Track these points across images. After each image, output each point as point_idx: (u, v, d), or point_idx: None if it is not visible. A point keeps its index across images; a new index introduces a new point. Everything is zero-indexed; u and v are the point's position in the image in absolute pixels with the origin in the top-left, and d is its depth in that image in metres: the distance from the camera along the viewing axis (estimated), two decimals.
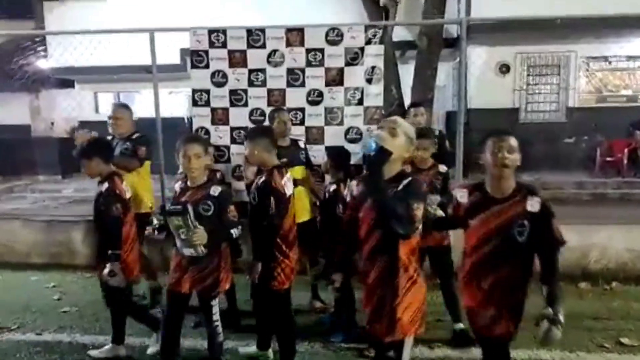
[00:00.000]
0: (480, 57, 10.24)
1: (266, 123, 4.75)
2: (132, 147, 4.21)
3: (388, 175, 2.21)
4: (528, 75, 10.69)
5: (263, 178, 3.13)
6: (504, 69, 10.59)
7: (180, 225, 2.76)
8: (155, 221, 3.12)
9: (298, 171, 4.02)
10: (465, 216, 2.34)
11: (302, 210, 4.00)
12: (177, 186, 3.09)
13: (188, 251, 2.87)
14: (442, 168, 3.83)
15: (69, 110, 13.82)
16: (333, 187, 3.80)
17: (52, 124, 14.57)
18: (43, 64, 12.70)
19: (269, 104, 4.72)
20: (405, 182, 2.22)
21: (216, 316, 3.07)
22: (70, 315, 4.35)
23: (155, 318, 3.58)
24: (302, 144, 4.29)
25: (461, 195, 2.36)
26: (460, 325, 3.64)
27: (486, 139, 2.27)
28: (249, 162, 3.58)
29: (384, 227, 2.19)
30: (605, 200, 7.58)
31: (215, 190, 2.92)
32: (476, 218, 2.29)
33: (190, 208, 2.74)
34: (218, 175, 4.14)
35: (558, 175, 9.24)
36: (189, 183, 3.00)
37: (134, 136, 4.31)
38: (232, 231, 2.91)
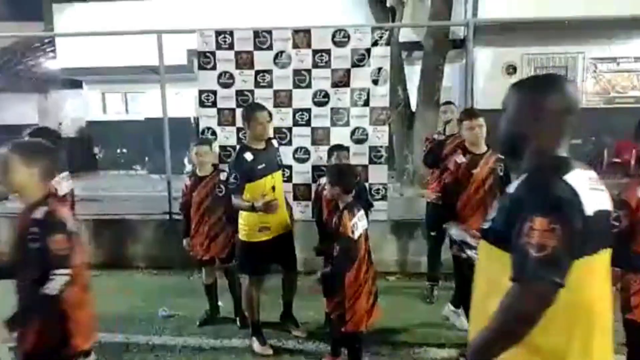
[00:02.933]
0: (487, 58, 10.21)
1: (275, 123, 4.76)
2: None
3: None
4: None
5: None
6: (511, 70, 10.55)
7: None
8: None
9: (278, 177, 3.60)
10: None
11: (281, 222, 3.59)
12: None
13: None
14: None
15: (77, 111, 13.96)
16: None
17: (60, 124, 14.69)
18: (52, 64, 12.82)
19: (275, 105, 4.74)
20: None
21: None
22: None
23: None
24: (275, 143, 3.76)
25: None
26: None
27: None
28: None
29: None
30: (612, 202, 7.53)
31: (41, 212, 1.88)
32: None
33: None
34: (222, 175, 3.88)
35: None
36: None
37: None
38: (47, 286, 1.80)
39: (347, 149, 4.11)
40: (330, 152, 3.99)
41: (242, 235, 3.53)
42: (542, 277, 1.19)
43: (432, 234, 4.46)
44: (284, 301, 3.89)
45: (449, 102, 4.70)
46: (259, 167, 3.42)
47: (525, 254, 1.21)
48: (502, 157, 3.32)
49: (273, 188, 3.49)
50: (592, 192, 1.28)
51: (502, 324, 1.24)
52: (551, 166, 1.32)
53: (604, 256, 1.34)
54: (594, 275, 1.30)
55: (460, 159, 3.50)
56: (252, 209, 3.31)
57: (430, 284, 4.52)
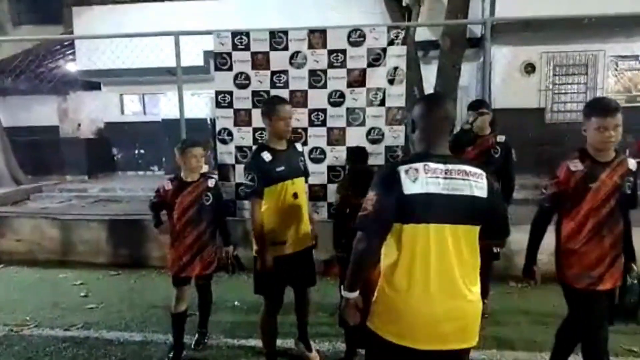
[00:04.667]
0: (504, 57, 10.09)
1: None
2: None
3: None
4: (554, 75, 10.49)
5: None
6: (529, 68, 10.41)
7: None
8: None
9: (299, 184, 3.20)
10: None
11: (301, 236, 3.21)
12: None
13: None
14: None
15: (95, 112, 14.16)
16: None
17: (79, 125, 14.92)
18: (71, 67, 13.03)
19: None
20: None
21: None
22: (97, 312, 4.44)
23: None
24: (300, 147, 3.38)
25: None
26: None
27: None
28: None
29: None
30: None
31: None
32: None
33: None
34: (210, 182, 3.54)
35: None
36: None
37: None
38: None
39: (364, 150, 4.04)
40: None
41: (255, 251, 3.15)
42: (361, 228, 1.86)
43: None
44: (299, 322, 3.50)
45: (481, 104, 4.04)
46: (278, 169, 3.04)
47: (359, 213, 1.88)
48: (634, 168, 2.60)
49: (295, 195, 3.12)
50: (427, 179, 1.79)
51: (351, 258, 1.90)
52: (402, 160, 1.97)
53: (446, 228, 1.81)
54: (430, 238, 1.80)
55: (576, 165, 2.56)
56: (262, 248, 3.04)
57: None
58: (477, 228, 1.86)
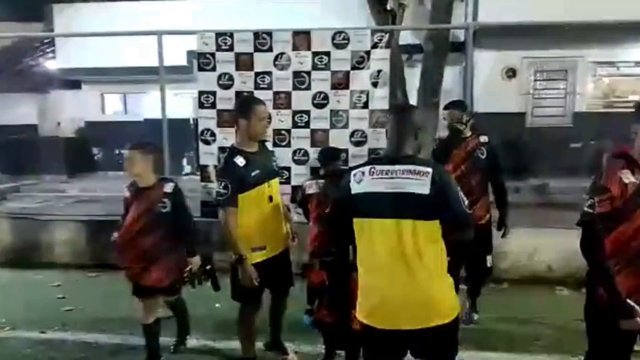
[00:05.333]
0: (486, 62, 10.19)
1: (274, 125, 4.72)
2: None
3: None
4: (535, 80, 10.66)
5: None
6: (511, 73, 10.56)
7: None
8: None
9: (275, 185, 3.14)
10: None
11: (279, 240, 3.20)
12: None
13: None
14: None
15: (75, 111, 13.94)
16: None
17: (59, 124, 14.67)
18: (51, 65, 12.82)
19: (274, 107, 4.73)
20: None
21: None
22: (74, 314, 4.37)
23: None
24: (270, 146, 3.41)
25: None
26: None
27: None
28: None
29: None
30: None
31: None
32: None
33: None
34: (167, 187, 3.18)
35: (564, 180, 9.17)
36: None
37: None
38: None
39: (334, 150, 4.02)
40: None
41: (234, 261, 3.00)
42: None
43: None
44: (272, 327, 3.44)
45: (455, 105, 4.02)
46: (253, 173, 2.91)
47: None
48: None
49: (270, 199, 3.04)
50: (371, 180, 2.03)
51: None
52: (362, 163, 2.15)
53: (388, 222, 2.00)
54: (373, 230, 2.04)
55: (628, 177, 2.16)
56: (239, 256, 2.90)
57: None
58: (430, 223, 2.00)
